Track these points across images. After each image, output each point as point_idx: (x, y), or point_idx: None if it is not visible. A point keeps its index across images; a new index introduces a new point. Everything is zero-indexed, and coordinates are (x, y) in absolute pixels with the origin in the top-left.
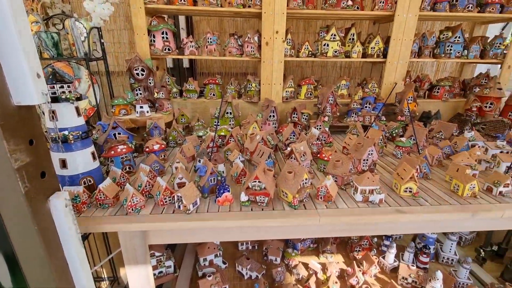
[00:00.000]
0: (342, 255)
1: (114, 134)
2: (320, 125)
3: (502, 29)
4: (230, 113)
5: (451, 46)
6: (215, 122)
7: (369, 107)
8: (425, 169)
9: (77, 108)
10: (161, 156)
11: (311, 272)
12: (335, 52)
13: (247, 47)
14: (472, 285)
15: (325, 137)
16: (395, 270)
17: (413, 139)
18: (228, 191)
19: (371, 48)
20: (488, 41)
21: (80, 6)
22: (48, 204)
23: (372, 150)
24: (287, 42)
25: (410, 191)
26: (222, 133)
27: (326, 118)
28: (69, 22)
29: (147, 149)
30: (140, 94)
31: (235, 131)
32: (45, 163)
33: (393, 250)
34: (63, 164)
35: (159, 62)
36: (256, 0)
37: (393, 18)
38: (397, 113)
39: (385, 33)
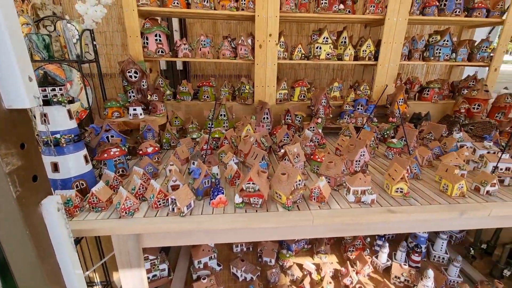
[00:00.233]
0: (336, 256)
1: (107, 137)
2: (313, 127)
3: (489, 33)
4: (224, 115)
5: (440, 49)
6: (209, 124)
7: (361, 109)
8: (415, 169)
9: (69, 111)
10: (155, 159)
11: (305, 272)
12: (328, 54)
13: (241, 49)
14: (462, 283)
15: (318, 139)
16: (388, 269)
17: (404, 140)
18: (222, 193)
19: (363, 51)
20: (475, 44)
21: (72, 8)
22: (40, 208)
23: (364, 151)
24: (280, 45)
25: (401, 191)
26: (216, 135)
27: (319, 120)
28: (61, 24)
29: (140, 152)
30: (133, 96)
31: (229, 133)
32: (37, 167)
33: (386, 250)
34: (55, 167)
35: (152, 64)
36: (249, 3)
37: (384, 22)
38: (388, 115)
39: (376, 36)
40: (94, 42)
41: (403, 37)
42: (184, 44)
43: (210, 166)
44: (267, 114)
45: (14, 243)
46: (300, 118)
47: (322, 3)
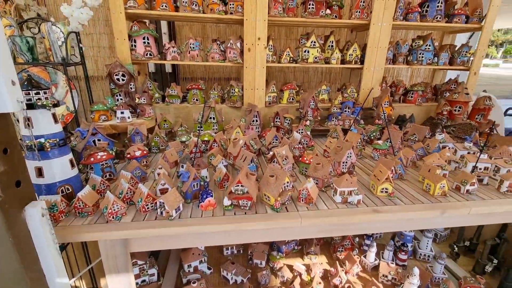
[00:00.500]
0: (325, 256)
1: (94, 141)
2: (302, 129)
3: (469, 38)
4: (213, 118)
5: (423, 54)
6: (198, 127)
7: (348, 111)
8: (400, 170)
9: (54, 115)
10: (143, 162)
11: (295, 273)
12: (315, 58)
13: (230, 52)
14: (447, 280)
15: (306, 141)
16: (376, 268)
17: (389, 142)
18: (211, 196)
19: (349, 55)
20: (456, 49)
21: (57, 10)
22: (24, 214)
23: (350, 153)
24: (269, 48)
25: (386, 192)
26: (206, 138)
27: (308, 122)
28: (46, 26)
29: (128, 156)
30: (121, 99)
31: (219, 136)
32: (20, 172)
33: (374, 249)
34: (39, 172)
35: (140, 67)
36: (237, 7)
37: (369, 26)
38: (374, 117)
39: (362, 40)
40: (80, 45)
41: (388, 42)
42: (173, 47)
43: (199, 169)
44: (256, 117)
45: None
46: (289, 120)
47: (309, 8)
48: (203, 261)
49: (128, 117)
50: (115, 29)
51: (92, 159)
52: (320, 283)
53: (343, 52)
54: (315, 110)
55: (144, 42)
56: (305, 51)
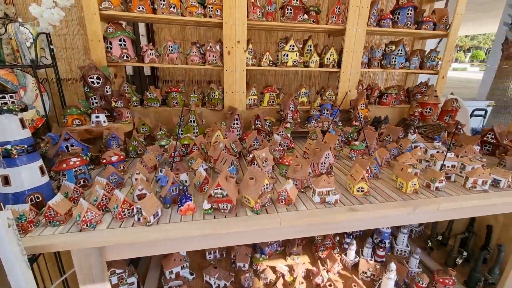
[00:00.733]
0: (308, 256)
1: (67, 146)
2: (282, 132)
3: (438, 44)
4: (194, 121)
5: (395, 58)
6: (177, 131)
7: (327, 113)
8: (375, 169)
9: (21, 120)
10: (120, 168)
11: (278, 275)
12: (294, 62)
13: (209, 56)
14: (421, 273)
15: (287, 143)
16: (356, 265)
17: (365, 143)
18: (191, 200)
19: (327, 58)
20: (426, 54)
21: (26, 9)
22: None
23: (328, 154)
24: (249, 51)
25: (362, 191)
26: (186, 142)
27: (288, 125)
28: (13, 26)
29: (104, 161)
30: (96, 103)
31: (199, 139)
32: None
33: (354, 247)
34: (6, 181)
35: (117, 69)
36: (216, 10)
37: (345, 32)
38: (352, 119)
39: (339, 45)
40: (51, 46)
41: (363, 46)
42: (151, 49)
43: (178, 174)
44: (237, 120)
45: None
46: (269, 123)
47: (287, 13)
48: (185, 266)
49: (104, 121)
50: (89, 30)
51: (64, 165)
52: (302, 283)
53: (321, 56)
54: (295, 113)
55: (121, 44)
56: (284, 55)
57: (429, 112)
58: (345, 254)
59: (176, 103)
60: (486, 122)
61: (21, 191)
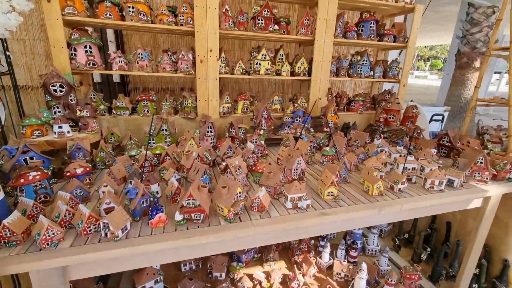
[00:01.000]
0: (284, 261)
1: (25, 160)
2: (256, 139)
3: (399, 54)
4: (166, 130)
5: (361, 68)
6: (148, 140)
7: (299, 120)
8: (344, 174)
9: None
10: (86, 180)
11: (255, 282)
12: (267, 70)
13: (181, 64)
14: (391, 271)
15: (260, 150)
16: (330, 267)
17: (335, 148)
18: (162, 211)
19: (298, 67)
20: (388, 64)
21: None
22: None
23: (300, 160)
24: (221, 60)
25: (332, 195)
26: (158, 151)
27: (262, 132)
28: None
29: (68, 174)
30: (59, 112)
31: (171, 148)
32: None
33: (328, 249)
34: None
35: (83, 76)
36: (188, 19)
37: (314, 42)
38: (323, 125)
39: (309, 54)
40: (8, 53)
41: (331, 56)
42: (119, 56)
43: (149, 185)
44: (210, 128)
45: None
46: (243, 130)
47: (258, 23)
48: (158, 280)
49: (68, 132)
50: (50, 36)
51: (22, 180)
52: None
53: (293, 65)
54: (269, 120)
55: (86, 51)
56: (256, 64)
57: (392, 118)
58: (320, 257)
59: (147, 111)
60: (444, 126)
61: None
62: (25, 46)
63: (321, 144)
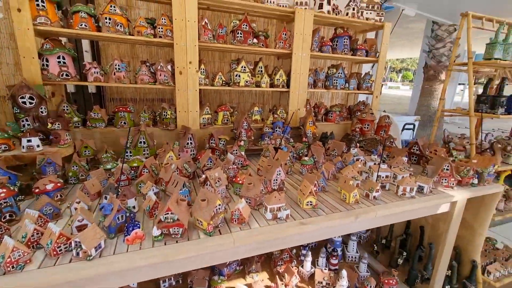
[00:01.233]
0: (267, 272)
1: None
2: (236, 150)
3: (371, 68)
4: (144, 142)
5: (336, 80)
6: (125, 153)
7: (279, 131)
8: (322, 183)
9: None
10: (57, 197)
11: None
12: (246, 82)
13: (160, 75)
14: (370, 277)
15: (241, 161)
16: (312, 276)
17: (314, 158)
18: (138, 227)
19: (277, 79)
20: (362, 76)
21: None
22: None
23: (279, 171)
24: (201, 72)
25: (311, 204)
26: (135, 164)
27: (242, 143)
28: None
29: (37, 190)
30: (28, 125)
31: (149, 161)
32: None
33: (309, 258)
34: None
35: (55, 87)
36: (167, 31)
37: (291, 56)
38: (302, 135)
39: (287, 66)
40: None
41: (308, 69)
42: (95, 67)
43: (125, 199)
44: (190, 139)
45: None
46: (224, 141)
47: (237, 36)
48: None
49: (38, 145)
50: (20, 46)
51: None
52: None
53: (272, 76)
54: (249, 131)
55: (59, 62)
56: (236, 75)
57: (367, 127)
58: (302, 266)
59: (125, 123)
60: (415, 134)
61: None
62: None
63: (301, 154)
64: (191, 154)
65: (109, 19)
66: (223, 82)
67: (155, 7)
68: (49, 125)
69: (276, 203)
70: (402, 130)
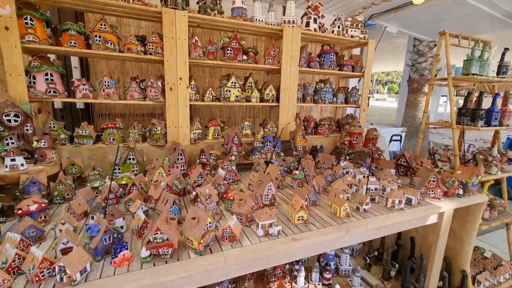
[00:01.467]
0: None
1: None
2: (227, 165)
3: (358, 82)
4: (133, 158)
5: (325, 94)
6: (113, 170)
7: (269, 145)
8: (313, 197)
9: None
10: (41, 218)
11: None
12: (237, 97)
13: (150, 91)
14: None
15: (232, 176)
16: None
17: (304, 171)
18: (126, 248)
19: (267, 94)
20: (349, 91)
21: None
22: None
23: (270, 185)
24: (191, 87)
25: (302, 219)
26: (124, 182)
27: (233, 157)
28: None
29: (19, 212)
30: (12, 143)
31: (138, 178)
32: None
33: (302, 273)
34: None
35: (42, 104)
36: (157, 48)
37: (280, 71)
38: (292, 149)
39: (277, 81)
40: None
41: (297, 84)
42: (84, 84)
43: (112, 220)
44: (181, 155)
45: None
46: (214, 156)
47: (227, 53)
48: None
49: (22, 164)
50: (7, 64)
51: None
52: None
53: (261, 91)
54: (239, 145)
55: (47, 79)
56: (226, 91)
57: (356, 140)
58: (296, 282)
59: (113, 139)
60: (402, 145)
61: None
62: None
63: (291, 168)
64: (181, 170)
65: (99, 36)
66: (214, 98)
67: (145, 24)
68: (35, 143)
69: (267, 219)
70: (390, 142)
